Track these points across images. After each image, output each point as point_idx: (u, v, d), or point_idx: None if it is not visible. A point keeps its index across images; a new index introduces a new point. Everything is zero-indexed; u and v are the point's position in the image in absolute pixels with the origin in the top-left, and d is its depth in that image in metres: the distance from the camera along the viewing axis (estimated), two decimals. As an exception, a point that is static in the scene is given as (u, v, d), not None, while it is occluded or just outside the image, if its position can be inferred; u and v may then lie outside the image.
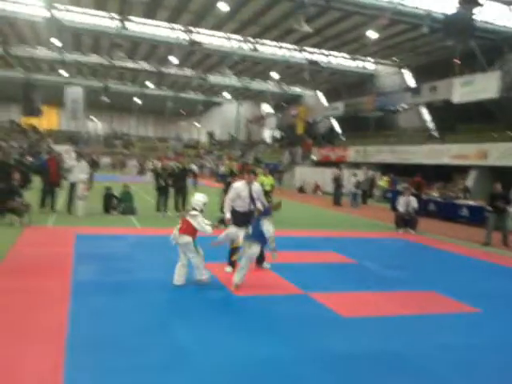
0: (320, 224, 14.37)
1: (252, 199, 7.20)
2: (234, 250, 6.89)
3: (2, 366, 3.83)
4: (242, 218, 7.04)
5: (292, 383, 3.85)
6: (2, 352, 4.09)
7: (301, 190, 28.84)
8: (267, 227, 6.32)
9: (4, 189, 10.67)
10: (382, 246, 11.09)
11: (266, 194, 13.55)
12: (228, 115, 53.34)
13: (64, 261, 7.47)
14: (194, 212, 6.34)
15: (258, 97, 49.68)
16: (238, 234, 6.70)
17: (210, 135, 55.22)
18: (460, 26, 20.31)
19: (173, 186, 13.62)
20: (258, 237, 6.29)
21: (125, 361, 4.05)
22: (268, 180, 14.05)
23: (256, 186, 7.39)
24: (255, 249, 6.34)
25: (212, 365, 4.06)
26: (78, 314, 5.06)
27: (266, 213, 6.62)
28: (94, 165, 22.17)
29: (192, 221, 6.26)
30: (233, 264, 7.00)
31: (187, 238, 6.21)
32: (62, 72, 40.95)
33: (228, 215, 7.17)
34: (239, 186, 7.29)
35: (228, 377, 3.88)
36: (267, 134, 52.49)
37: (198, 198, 6.50)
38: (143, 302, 5.70)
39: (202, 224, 6.26)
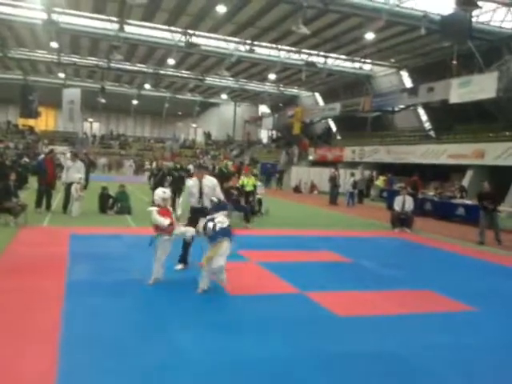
0: (316, 223, 14.43)
1: (201, 195, 7.12)
2: (185, 248, 7.01)
3: None
4: (195, 215, 6.97)
5: (287, 382, 3.86)
6: None
7: (297, 189, 28.93)
8: (220, 220, 5.98)
9: (0, 189, 10.69)
10: (378, 245, 11.13)
11: (248, 194, 13.77)
12: (225, 116, 53.39)
13: (59, 260, 7.45)
14: (150, 208, 6.42)
15: (255, 98, 49.79)
16: (188, 230, 6.52)
17: (207, 136, 55.27)
18: (457, 27, 20.44)
19: (170, 185, 13.72)
20: (222, 233, 5.93)
21: (120, 361, 4.03)
22: (250, 181, 14.27)
23: (208, 181, 7.21)
24: (225, 247, 5.95)
25: (208, 364, 4.06)
26: (72, 314, 5.04)
27: (220, 208, 6.32)
28: (90, 165, 22.15)
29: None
30: (184, 260, 7.09)
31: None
32: (60, 74, 40.96)
33: (178, 212, 7.15)
34: (191, 182, 7.36)
35: (224, 376, 3.87)
36: (264, 135, 52.57)
37: (156, 192, 6.54)
38: (138, 302, 5.70)
39: (153, 218, 6.24)
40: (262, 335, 4.81)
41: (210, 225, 5.86)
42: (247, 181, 14.23)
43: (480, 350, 4.79)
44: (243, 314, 5.47)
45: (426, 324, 5.48)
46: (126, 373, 3.83)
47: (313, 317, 5.51)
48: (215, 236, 5.86)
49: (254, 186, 14.26)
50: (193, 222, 6.76)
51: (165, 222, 6.19)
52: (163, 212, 6.37)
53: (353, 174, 22.04)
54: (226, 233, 5.96)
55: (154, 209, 6.33)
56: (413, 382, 4.00)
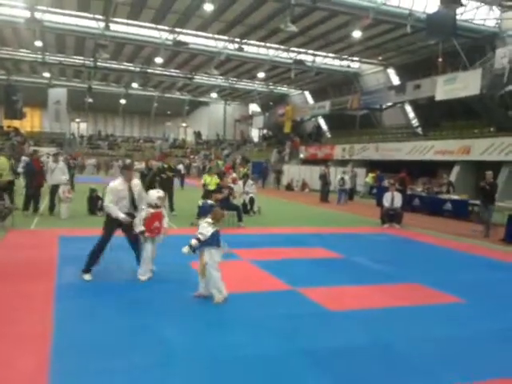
0: (307, 221, 14.51)
1: (133, 200, 6.54)
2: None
3: None
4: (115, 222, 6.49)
5: (281, 378, 3.87)
6: None
7: (288, 187, 29.07)
8: (203, 229, 5.68)
9: None
10: (369, 241, 11.27)
11: (209, 193, 12.94)
12: (215, 115, 53.31)
13: (48, 263, 7.37)
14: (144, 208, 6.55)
15: (245, 96, 49.80)
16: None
17: (197, 135, 55.17)
18: (442, 24, 20.72)
19: (159, 185, 13.66)
20: (206, 244, 5.67)
21: (111, 362, 4.04)
22: (213, 180, 13.50)
23: (135, 184, 6.67)
24: (207, 257, 5.68)
25: (200, 362, 4.08)
26: (63, 316, 5.03)
27: (202, 212, 6.25)
28: (73, 167, 21.96)
29: None
30: (89, 270, 6.51)
31: None
32: (45, 74, 40.55)
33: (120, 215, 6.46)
34: (116, 184, 6.50)
35: (216, 374, 3.89)
36: (255, 134, 52.65)
37: (150, 194, 6.64)
38: (129, 302, 5.69)
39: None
40: (254, 332, 4.83)
41: (193, 242, 5.60)
42: (210, 179, 13.51)
43: (469, 341, 4.91)
44: (235, 312, 5.47)
45: (416, 316, 5.61)
46: (117, 372, 3.85)
47: (305, 312, 5.57)
48: (200, 247, 5.67)
49: (217, 185, 13.49)
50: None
51: (119, 214, 6.35)
52: (157, 215, 6.45)
53: (344, 172, 22.48)
54: (209, 242, 5.67)
55: (149, 210, 6.43)
56: (405, 373, 4.07)
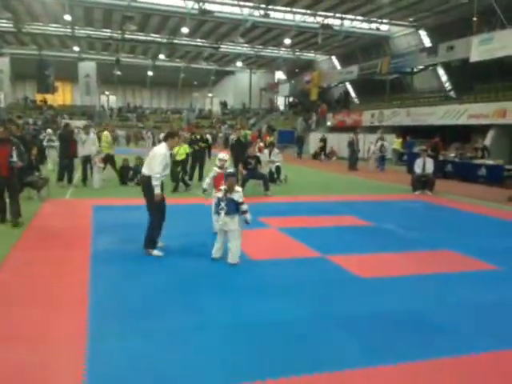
0: (336, 189, 14.39)
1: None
2: None
3: (28, 332, 3.97)
4: None
5: (313, 343, 3.88)
6: (29, 321, 4.20)
7: (315, 156, 28.79)
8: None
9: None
10: (400, 208, 11.11)
11: (177, 163, 12.48)
12: (241, 84, 52.86)
13: (83, 231, 7.59)
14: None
15: (270, 64, 49.06)
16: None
17: (223, 105, 54.97)
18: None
19: (191, 156, 13.77)
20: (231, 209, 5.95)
21: (146, 322, 4.17)
22: (181, 149, 12.93)
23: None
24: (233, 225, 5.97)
25: (233, 326, 4.15)
26: (99, 281, 5.19)
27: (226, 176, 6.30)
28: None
29: None
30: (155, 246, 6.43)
31: None
32: (75, 48, 40.94)
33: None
34: (165, 151, 6.38)
35: (249, 338, 3.95)
36: (281, 102, 52.05)
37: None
38: (163, 268, 5.81)
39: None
40: (285, 298, 4.87)
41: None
42: (177, 149, 12.61)
43: (503, 308, 4.81)
44: (266, 278, 5.52)
45: (449, 283, 5.51)
46: (151, 333, 3.96)
47: (336, 279, 5.56)
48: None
49: (187, 155, 13.23)
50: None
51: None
52: (221, 176, 6.81)
53: (382, 139, 22.16)
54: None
55: (216, 170, 7.22)
56: (437, 340, 4.01)
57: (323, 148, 27.74)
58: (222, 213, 5.90)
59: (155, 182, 6.12)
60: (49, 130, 18.60)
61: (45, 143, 17.02)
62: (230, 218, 5.91)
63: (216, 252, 6.12)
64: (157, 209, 6.31)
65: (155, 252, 6.31)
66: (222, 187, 6.05)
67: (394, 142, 24.95)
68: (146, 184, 6.28)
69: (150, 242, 6.35)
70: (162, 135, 19.51)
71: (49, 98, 46.22)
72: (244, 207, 5.96)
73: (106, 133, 14.00)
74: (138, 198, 6.77)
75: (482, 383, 3.41)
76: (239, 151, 13.62)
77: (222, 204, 5.91)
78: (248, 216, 6.01)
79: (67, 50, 42.50)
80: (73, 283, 5.19)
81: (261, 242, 7.24)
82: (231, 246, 5.94)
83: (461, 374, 3.49)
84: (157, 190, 6.15)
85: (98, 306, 4.52)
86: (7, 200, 8.09)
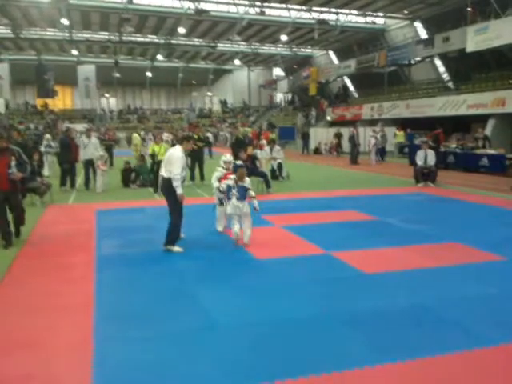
0: (338, 184, 14.33)
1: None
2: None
3: (35, 338, 3.98)
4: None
5: (321, 340, 3.88)
6: (35, 325, 4.24)
7: (316, 151, 28.87)
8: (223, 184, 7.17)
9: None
10: (403, 202, 11.09)
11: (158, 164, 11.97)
12: (239, 82, 52.93)
13: (87, 236, 7.61)
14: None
15: (268, 61, 49.07)
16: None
17: (223, 103, 55.02)
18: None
19: (189, 156, 13.87)
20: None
21: (151, 327, 4.18)
22: (162, 148, 12.65)
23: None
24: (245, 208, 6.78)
25: (238, 326, 4.16)
26: (104, 287, 5.20)
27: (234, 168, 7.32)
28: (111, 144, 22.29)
29: None
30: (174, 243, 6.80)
31: None
32: (73, 51, 41.03)
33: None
34: (181, 154, 6.64)
35: (256, 337, 3.94)
36: (280, 98, 52.07)
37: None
38: (166, 270, 5.85)
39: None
40: (291, 296, 4.88)
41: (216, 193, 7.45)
42: (158, 148, 12.59)
43: (510, 299, 4.77)
44: (271, 277, 5.55)
45: (455, 276, 5.49)
46: (158, 336, 3.99)
47: (341, 276, 5.55)
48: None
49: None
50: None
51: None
52: (226, 175, 7.41)
53: (382, 131, 22.37)
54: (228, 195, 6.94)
55: (222, 170, 7.65)
56: (444, 333, 3.98)
57: (339, 144, 26.39)
58: (234, 198, 6.67)
59: (176, 183, 6.42)
60: (47, 136, 18.64)
61: (42, 149, 17.14)
62: (241, 203, 6.68)
63: (236, 235, 6.81)
64: (178, 209, 6.65)
65: (176, 248, 6.67)
66: (232, 176, 6.85)
67: (396, 135, 24.96)
68: (166, 186, 6.56)
69: (171, 239, 6.68)
70: (165, 135, 19.67)
71: (49, 102, 46.33)
72: (252, 193, 6.83)
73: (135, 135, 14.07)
74: (140, 200, 6.87)
75: (496, 378, 3.33)
76: (238, 150, 13.71)
77: (234, 190, 6.66)
78: (256, 202, 6.75)
79: (66, 54, 42.55)
80: (78, 288, 5.21)
81: (265, 240, 7.22)
82: (246, 227, 6.73)
83: (474, 369, 3.42)
84: (179, 191, 6.45)
85: (103, 310, 4.55)
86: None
